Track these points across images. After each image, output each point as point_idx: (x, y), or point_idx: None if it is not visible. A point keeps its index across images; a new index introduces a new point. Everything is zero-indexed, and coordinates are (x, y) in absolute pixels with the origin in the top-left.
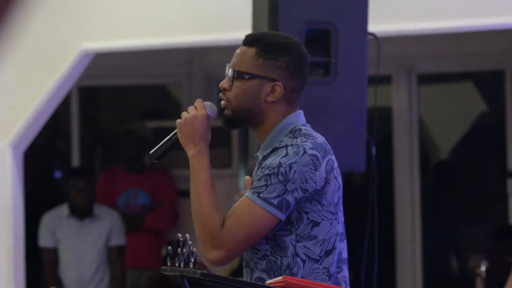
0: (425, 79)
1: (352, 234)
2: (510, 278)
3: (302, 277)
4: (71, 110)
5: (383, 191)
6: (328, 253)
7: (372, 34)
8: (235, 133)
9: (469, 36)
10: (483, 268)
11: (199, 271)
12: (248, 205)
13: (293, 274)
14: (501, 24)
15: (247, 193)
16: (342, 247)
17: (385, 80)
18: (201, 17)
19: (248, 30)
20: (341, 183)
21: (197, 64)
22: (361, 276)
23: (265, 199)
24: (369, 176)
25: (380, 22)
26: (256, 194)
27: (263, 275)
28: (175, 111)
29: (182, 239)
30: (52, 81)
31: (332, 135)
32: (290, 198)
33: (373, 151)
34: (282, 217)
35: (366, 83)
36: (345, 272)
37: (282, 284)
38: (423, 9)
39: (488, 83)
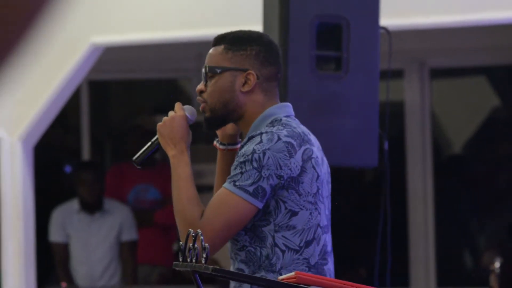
0: (438, 73)
1: (365, 230)
2: None
3: (281, 267)
4: (81, 104)
5: (395, 186)
6: (308, 243)
7: (384, 28)
8: None
9: (482, 30)
10: (497, 264)
11: (211, 267)
12: (225, 194)
13: (272, 265)
14: None
15: (225, 183)
16: (328, 239)
17: (397, 74)
18: (211, 10)
19: (259, 24)
20: (321, 174)
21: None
22: (374, 272)
23: (240, 187)
24: (381, 171)
25: (392, 16)
26: (232, 183)
27: (242, 266)
28: (185, 105)
29: (193, 234)
30: (62, 75)
31: (344, 130)
32: (265, 185)
33: (386, 146)
34: (259, 205)
35: (378, 77)
36: (330, 265)
37: (294, 279)
38: (436, 2)
39: (501, 77)
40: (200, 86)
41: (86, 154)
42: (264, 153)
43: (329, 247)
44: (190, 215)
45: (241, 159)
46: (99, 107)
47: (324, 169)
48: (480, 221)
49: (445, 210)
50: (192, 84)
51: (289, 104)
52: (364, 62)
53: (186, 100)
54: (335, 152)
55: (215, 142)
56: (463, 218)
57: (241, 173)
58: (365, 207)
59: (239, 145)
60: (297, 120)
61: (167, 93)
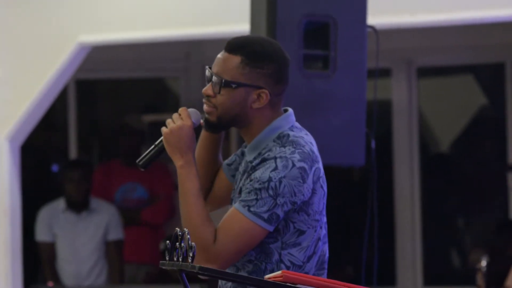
0: (425, 72)
1: (352, 228)
2: (511, 272)
3: None
4: (68, 103)
5: (382, 185)
6: (309, 258)
7: (371, 27)
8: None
9: (469, 29)
10: (483, 263)
11: (197, 265)
12: (239, 219)
13: None
14: (501, 17)
15: (237, 205)
16: (326, 248)
17: (385, 73)
18: (199, 9)
19: (246, 23)
20: (326, 190)
21: (195, 57)
22: (361, 271)
23: (255, 213)
24: (368, 170)
25: (380, 15)
26: (246, 207)
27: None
28: (173, 104)
29: (180, 233)
30: (49, 74)
31: (331, 129)
32: (279, 211)
33: (373, 144)
34: (271, 229)
35: (365, 76)
36: (325, 273)
37: (281, 278)
38: (423, 1)
39: (488, 76)
40: (209, 90)
41: (73, 153)
42: (280, 182)
43: (327, 254)
44: (203, 237)
45: (256, 185)
46: (86, 106)
47: (323, 173)
48: (466, 220)
49: (432, 209)
50: (179, 83)
51: (291, 111)
52: (352, 61)
53: (174, 99)
54: (322, 150)
55: (202, 121)
56: (450, 216)
57: (257, 199)
58: (352, 205)
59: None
60: (298, 125)
61: (154, 92)
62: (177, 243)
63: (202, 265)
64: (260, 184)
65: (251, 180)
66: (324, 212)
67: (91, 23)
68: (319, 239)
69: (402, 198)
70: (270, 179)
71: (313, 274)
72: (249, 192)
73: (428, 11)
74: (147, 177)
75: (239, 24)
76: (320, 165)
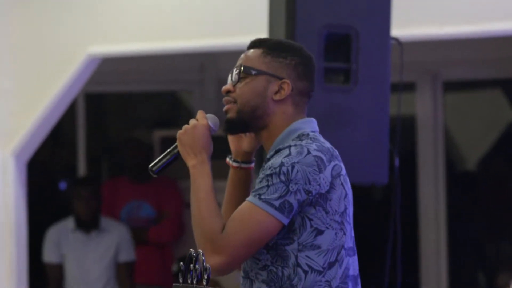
0: (451, 86)
1: (374, 249)
2: None
3: None
4: (77, 117)
5: (406, 204)
6: (331, 265)
7: (395, 38)
8: None
9: (498, 41)
10: None
11: None
12: (249, 208)
13: (292, 286)
14: None
15: (249, 196)
16: (350, 262)
17: (409, 87)
18: (214, 20)
19: (264, 34)
20: (349, 192)
21: (209, 70)
22: None
23: (266, 201)
24: (392, 188)
25: (404, 26)
26: (257, 196)
27: (263, 287)
28: (186, 119)
29: (194, 254)
30: (57, 87)
31: (353, 145)
32: (292, 200)
33: (396, 162)
34: (285, 220)
35: (388, 90)
36: None
37: None
38: (449, 12)
39: None
40: (228, 86)
41: (81, 170)
42: (293, 166)
43: (351, 271)
44: (210, 228)
45: (268, 172)
46: (95, 120)
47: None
48: (494, 241)
49: (458, 229)
50: (193, 96)
51: (314, 120)
52: (374, 74)
53: (187, 113)
54: None
55: (227, 159)
56: (477, 237)
57: (267, 186)
58: (374, 225)
59: (253, 164)
60: (322, 137)
61: (166, 106)
62: (191, 265)
63: (209, 257)
64: (271, 170)
65: (263, 170)
66: (349, 220)
67: (101, 34)
68: (342, 246)
69: (427, 217)
70: (282, 164)
71: (337, 286)
72: (260, 181)
73: (454, 23)
74: (154, 194)
75: (256, 35)
76: (342, 164)
